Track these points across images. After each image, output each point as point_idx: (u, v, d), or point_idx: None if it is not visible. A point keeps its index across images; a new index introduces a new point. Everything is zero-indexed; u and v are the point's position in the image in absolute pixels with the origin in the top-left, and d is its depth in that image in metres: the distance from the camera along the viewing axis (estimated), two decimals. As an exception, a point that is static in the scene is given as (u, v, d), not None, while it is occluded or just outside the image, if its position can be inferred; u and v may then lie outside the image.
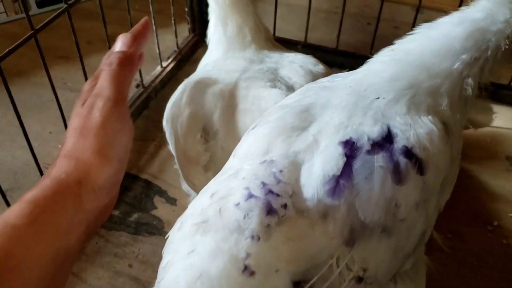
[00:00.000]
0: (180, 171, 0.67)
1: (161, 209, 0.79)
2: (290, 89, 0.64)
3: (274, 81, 0.64)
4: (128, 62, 0.52)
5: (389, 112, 0.46)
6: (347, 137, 0.44)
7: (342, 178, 0.42)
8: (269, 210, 0.40)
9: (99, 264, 0.71)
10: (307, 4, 0.97)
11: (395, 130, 0.44)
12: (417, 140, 0.44)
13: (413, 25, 0.96)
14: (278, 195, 0.41)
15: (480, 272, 0.70)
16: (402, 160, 0.43)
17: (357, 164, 0.42)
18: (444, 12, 0.53)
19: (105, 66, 0.51)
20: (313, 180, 0.42)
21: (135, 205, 0.79)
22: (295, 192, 0.42)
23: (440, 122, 0.47)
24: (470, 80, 0.49)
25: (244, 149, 0.47)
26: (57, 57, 1.12)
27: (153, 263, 0.71)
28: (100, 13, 0.80)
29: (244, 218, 0.40)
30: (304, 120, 0.46)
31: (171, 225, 0.77)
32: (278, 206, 0.41)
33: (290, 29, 1.14)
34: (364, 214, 0.41)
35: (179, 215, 0.77)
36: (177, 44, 1.07)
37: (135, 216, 0.78)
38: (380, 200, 0.41)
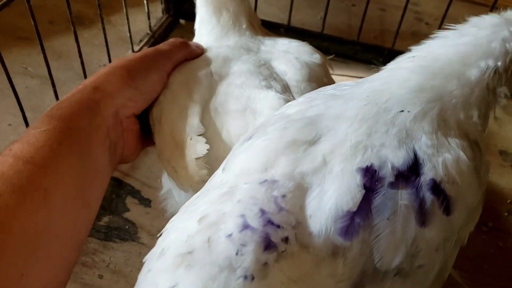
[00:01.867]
0: (160, 153, 0.59)
1: (134, 211, 0.72)
2: (286, 89, 0.58)
3: (269, 79, 0.58)
4: (187, 45, 0.60)
5: (415, 130, 0.40)
6: (368, 163, 0.37)
7: (359, 215, 0.35)
8: (267, 245, 0.34)
9: (66, 275, 0.64)
10: (291, -16, 0.90)
11: (421, 156, 0.38)
12: (445, 172, 0.38)
13: (405, 9, 0.91)
14: (278, 226, 0.34)
15: (475, 279, 0.67)
16: (429, 198, 0.37)
17: (377, 200, 0.36)
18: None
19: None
20: (323, 213, 0.35)
21: (105, 207, 0.72)
22: (300, 223, 0.35)
23: (469, 144, 0.42)
24: (503, 89, 0.43)
25: (240, 163, 0.40)
26: (16, 38, 1.01)
27: (126, 273, 0.65)
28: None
29: (237, 254, 0.33)
30: (310, 134, 0.39)
31: (145, 229, 0.71)
32: (278, 239, 0.34)
33: (272, 11, 1.06)
34: (380, 260, 0.35)
35: (153, 217, 0.72)
36: (149, 26, 0.98)
37: (105, 219, 0.71)
38: (402, 245, 0.35)
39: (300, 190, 0.36)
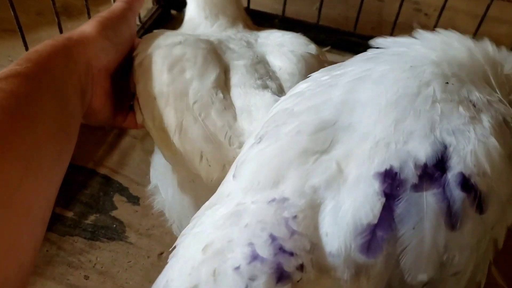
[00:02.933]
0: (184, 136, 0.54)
1: (122, 209, 0.69)
2: (282, 88, 0.56)
3: (265, 78, 0.55)
4: None
5: (449, 110, 0.36)
6: (387, 166, 0.33)
7: (380, 228, 0.31)
8: (280, 276, 0.30)
9: (50, 276, 0.62)
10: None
11: (449, 144, 0.34)
12: (475, 162, 0.34)
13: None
14: (292, 253, 0.31)
15: None
16: (458, 196, 0.33)
17: (400, 207, 0.32)
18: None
19: None
20: (340, 229, 0.32)
21: (91, 205, 0.70)
22: (315, 244, 0.32)
23: (500, 126, 0.38)
24: None
25: (249, 174, 0.36)
26: (1, 30, 0.98)
27: (113, 274, 0.62)
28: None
29: None
30: (324, 142, 0.35)
31: (133, 228, 0.68)
32: (292, 268, 0.31)
33: (266, 2, 1.03)
34: (410, 274, 0.32)
35: (142, 216, 0.69)
36: (139, 17, 0.95)
37: (92, 218, 0.68)
38: (432, 256, 0.32)
39: (313, 208, 0.33)
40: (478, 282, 0.39)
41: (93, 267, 0.63)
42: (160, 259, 0.64)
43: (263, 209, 0.33)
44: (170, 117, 0.52)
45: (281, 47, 0.61)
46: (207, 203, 0.39)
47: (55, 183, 0.48)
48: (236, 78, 0.55)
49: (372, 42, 0.47)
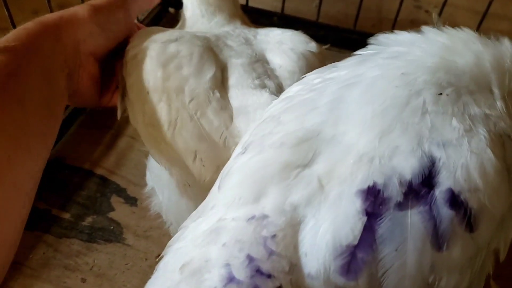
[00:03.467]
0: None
1: (119, 211, 0.68)
2: (280, 88, 0.54)
3: (263, 77, 0.54)
4: None
5: (440, 122, 0.34)
6: (370, 183, 0.31)
7: (361, 249, 0.30)
8: None
9: (47, 279, 0.61)
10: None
11: (438, 158, 0.32)
12: (466, 177, 0.32)
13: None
14: (269, 275, 0.30)
15: None
16: (446, 214, 0.31)
17: (383, 227, 0.30)
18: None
19: None
20: (320, 251, 0.31)
21: (88, 206, 0.69)
22: (294, 265, 0.31)
23: (499, 139, 0.36)
24: None
25: (231, 186, 0.35)
26: (-3, 29, 0.98)
27: (110, 276, 0.61)
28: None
29: None
30: (306, 154, 0.34)
31: (130, 230, 0.67)
32: None
33: (264, -2, 1.02)
34: None
35: (139, 217, 0.68)
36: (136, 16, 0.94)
37: (89, 219, 0.67)
38: (417, 278, 0.30)
39: (293, 226, 0.32)
40: None
41: (90, 269, 0.62)
42: (158, 262, 0.63)
43: (242, 227, 0.32)
44: (163, 114, 0.50)
45: (281, 45, 0.60)
46: (194, 212, 0.38)
47: (40, 162, 0.48)
48: (234, 78, 0.54)
49: (373, 39, 0.46)
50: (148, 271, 0.62)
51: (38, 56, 0.48)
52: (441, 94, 0.36)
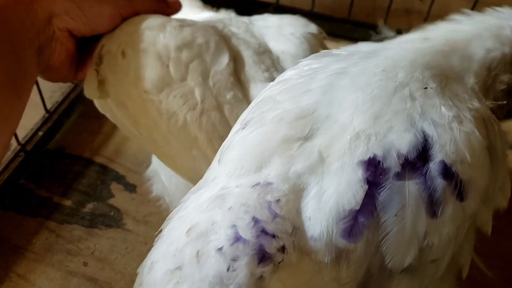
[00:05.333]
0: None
1: (119, 197, 0.70)
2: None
3: (271, 70, 0.55)
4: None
5: (429, 107, 0.36)
6: (370, 154, 0.34)
7: (362, 214, 0.32)
8: (262, 257, 0.31)
9: (50, 263, 0.63)
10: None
11: (431, 135, 0.35)
12: (455, 149, 0.35)
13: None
14: (273, 235, 0.32)
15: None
16: (440, 184, 0.33)
17: (383, 195, 0.33)
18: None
19: None
20: (323, 215, 0.33)
21: (89, 193, 0.71)
22: (297, 228, 0.32)
23: (482, 121, 0.39)
24: (505, 77, 0.41)
25: (233, 159, 0.37)
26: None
27: (110, 260, 0.63)
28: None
29: (228, 270, 0.30)
30: (304, 129, 0.36)
31: (130, 215, 0.69)
32: (274, 250, 0.31)
33: (260, -11, 1.03)
34: (391, 260, 0.33)
35: (139, 203, 0.70)
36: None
37: (89, 206, 0.69)
38: (413, 243, 0.33)
39: (296, 193, 0.34)
40: (460, 266, 0.40)
41: (92, 254, 0.64)
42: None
43: (247, 193, 0.34)
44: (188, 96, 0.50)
45: (281, 30, 0.60)
46: (193, 188, 0.39)
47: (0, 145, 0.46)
48: (245, 70, 0.55)
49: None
50: (147, 255, 0.64)
51: (5, 29, 0.45)
52: (426, 88, 0.39)
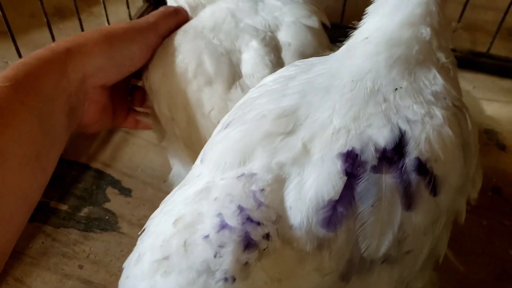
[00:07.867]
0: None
1: (114, 201, 0.72)
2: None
3: (277, 67, 0.56)
4: (178, 13, 0.59)
5: (403, 105, 0.38)
6: (349, 147, 0.35)
7: (341, 204, 0.34)
8: (247, 244, 0.32)
9: (46, 267, 0.64)
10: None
11: (406, 131, 0.37)
12: (429, 148, 0.36)
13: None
14: (258, 223, 0.33)
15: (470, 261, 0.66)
16: (415, 179, 0.35)
17: (360, 186, 0.34)
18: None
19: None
20: (303, 204, 0.34)
21: (85, 198, 0.72)
22: (281, 217, 0.34)
23: (453, 114, 0.40)
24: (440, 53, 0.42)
25: (216, 156, 0.38)
26: (-4, 33, 1.01)
27: (106, 263, 0.64)
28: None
29: (215, 256, 0.32)
30: (287, 126, 0.37)
31: (125, 219, 0.70)
32: (259, 237, 0.33)
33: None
34: (367, 249, 0.34)
35: (134, 207, 0.71)
36: (129, 15, 0.97)
37: (85, 210, 0.70)
38: (388, 233, 0.34)
39: (279, 182, 0.35)
40: (438, 256, 0.42)
41: (87, 257, 0.65)
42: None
43: (232, 184, 0.35)
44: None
45: (284, 18, 0.61)
46: (177, 186, 0.40)
47: (14, 228, 0.44)
48: (249, 66, 0.56)
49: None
50: (142, 257, 0.65)
51: (35, 100, 0.44)
52: (396, 89, 0.40)
